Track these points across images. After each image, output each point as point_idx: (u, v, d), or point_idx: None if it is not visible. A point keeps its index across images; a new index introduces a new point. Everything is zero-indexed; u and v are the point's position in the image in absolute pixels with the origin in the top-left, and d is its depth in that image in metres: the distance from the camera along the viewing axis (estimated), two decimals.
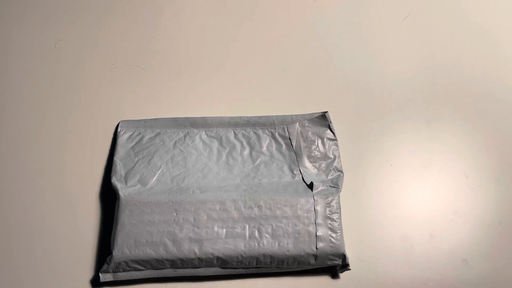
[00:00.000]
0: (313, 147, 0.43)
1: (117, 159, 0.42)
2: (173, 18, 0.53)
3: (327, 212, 0.39)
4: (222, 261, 0.37)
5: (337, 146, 0.44)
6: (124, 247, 0.37)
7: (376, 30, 0.53)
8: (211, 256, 0.37)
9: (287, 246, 0.37)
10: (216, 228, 0.38)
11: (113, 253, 0.37)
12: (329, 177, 0.42)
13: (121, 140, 0.43)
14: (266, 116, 0.45)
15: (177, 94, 0.48)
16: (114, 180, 0.41)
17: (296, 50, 0.51)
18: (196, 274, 0.38)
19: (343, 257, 0.38)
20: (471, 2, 0.56)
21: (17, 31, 0.51)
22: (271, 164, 0.43)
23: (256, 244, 0.37)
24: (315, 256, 0.37)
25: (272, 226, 0.38)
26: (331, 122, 0.44)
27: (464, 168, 0.45)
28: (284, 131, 0.44)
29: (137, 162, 0.42)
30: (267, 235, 0.38)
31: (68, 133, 0.45)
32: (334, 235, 0.38)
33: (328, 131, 0.44)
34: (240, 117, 0.45)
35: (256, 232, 0.38)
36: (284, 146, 0.43)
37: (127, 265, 0.37)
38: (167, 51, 0.50)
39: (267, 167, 0.42)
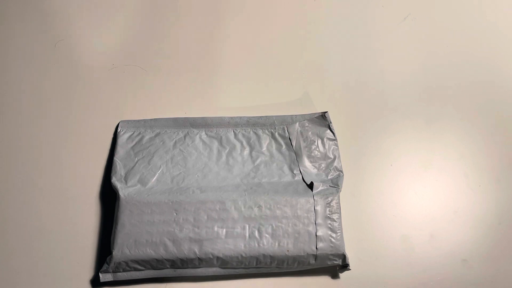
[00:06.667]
0: (313, 147, 0.43)
1: (117, 159, 0.42)
2: (173, 18, 0.53)
3: (327, 212, 0.39)
4: (222, 261, 0.37)
5: (337, 146, 0.44)
6: (124, 247, 0.37)
7: (376, 30, 0.53)
8: (211, 256, 0.37)
9: (287, 246, 0.37)
10: (216, 228, 0.38)
11: (113, 253, 0.37)
12: (329, 177, 0.42)
13: (121, 140, 0.43)
14: (266, 116, 0.45)
15: (177, 94, 0.48)
16: (114, 180, 0.41)
17: (296, 50, 0.51)
18: (196, 274, 0.38)
19: (343, 257, 0.38)
20: (471, 2, 0.56)
21: (17, 31, 0.51)
22: (271, 164, 0.43)
23: (256, 244, 0.37)
24: (315, 256, 0.37)
25: (272, 226, 0.38)
26: (331, 122, 0.44)
27: (464, 168, 0.45)
28: (284, 131, 0.44)
29: (137, 162, 0.42)
30: (267, 235, 0.38)
31: (68, 133, 0.45)
32: (334, 235, 0.38)
33: (328, 131, 0.44)
34: (240, 117, 0.45)
35: (256, 232, 0.38)
36: (284, 146, 0.43)
37: (127, 265, 0.37)
38: (167, 51, 0.50)
39: (267, 167, 0.42)
